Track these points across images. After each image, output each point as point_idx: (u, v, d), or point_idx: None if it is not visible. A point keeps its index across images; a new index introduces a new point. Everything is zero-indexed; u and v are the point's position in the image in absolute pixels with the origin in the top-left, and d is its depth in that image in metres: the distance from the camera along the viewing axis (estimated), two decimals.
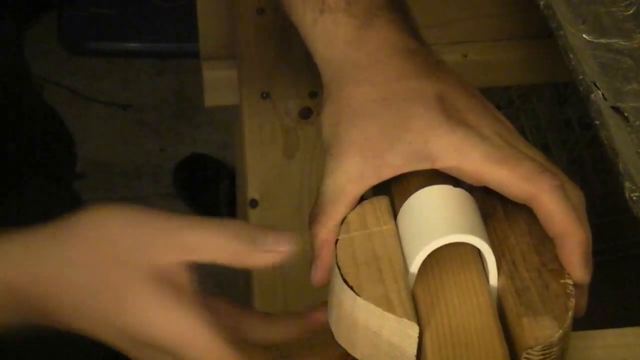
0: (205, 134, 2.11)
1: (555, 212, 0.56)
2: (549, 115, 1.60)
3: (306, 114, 0.90)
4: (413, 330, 0.53)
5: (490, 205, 0.59)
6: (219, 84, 1.05)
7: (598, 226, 1.53)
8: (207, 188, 2.03)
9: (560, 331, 0.53)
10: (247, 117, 0.91)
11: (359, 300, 0.54)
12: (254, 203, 0.85)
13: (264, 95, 0.91)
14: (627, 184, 0.59)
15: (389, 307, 0.54)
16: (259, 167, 0.88)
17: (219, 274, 1.81)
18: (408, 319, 0.53)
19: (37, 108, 0.99)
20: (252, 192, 0.86)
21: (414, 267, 0.56)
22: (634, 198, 0.59)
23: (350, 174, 0.59)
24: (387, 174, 0.59)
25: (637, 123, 0.63)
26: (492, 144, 0.58)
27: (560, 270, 0.56)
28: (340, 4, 0.64)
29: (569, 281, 0.56)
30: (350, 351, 0.56)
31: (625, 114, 0.63)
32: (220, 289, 1.64)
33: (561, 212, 0.56)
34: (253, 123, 0.90)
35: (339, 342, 0.56)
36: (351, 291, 0.55)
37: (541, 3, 0.69)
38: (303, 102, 0.91)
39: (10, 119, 0.89)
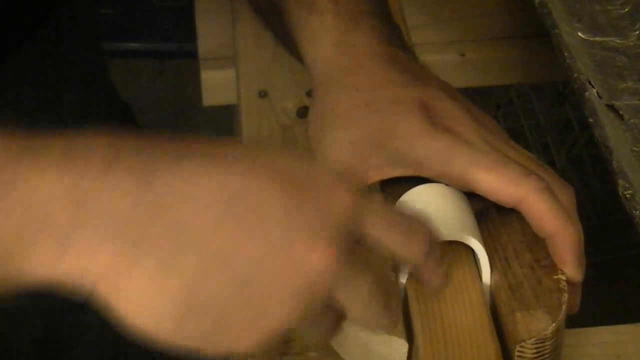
0: (205, 134, 2.11)
1: (544, 214, 0.56)
2: (548, 114, 1.60)
3: (304, 112, 0.89)
4: (403, 346, 0.54)
5: (483, 204, 0.60)
6: (217, 83, 1.05)
7: (598, 226, 1.53)
8: None
9: (554, 325, 0.53)
10: (244, 116, 0.91)
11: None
12: None
13: (262, 94, 0.91)
14: (621, 182, 0.59)
15: None
16: None
17: None
18: (398, 336, 0.54)
19: None
20: None
21: (406, 266, 0.56)
22: (628, 196, 0.59)
23: None
24: (373, 177, 0.59)
25: (632, 121, 0.63)
26: (477, 150, 0.58)
27: (553, 267, 0.56)
28: (328, 5, 0.65)
29: (562, 277, 0.56)
30: (341, 354, 0.56)
31: (620, 112, 0.63)
32: None
33: (549, 213, 0.56)
34: (251, 122, 0.90)
35: (331, 343, 0.57)
36: None
37: (536, 1, 0.69)
38: (301, 100, 0.90)
39: None
